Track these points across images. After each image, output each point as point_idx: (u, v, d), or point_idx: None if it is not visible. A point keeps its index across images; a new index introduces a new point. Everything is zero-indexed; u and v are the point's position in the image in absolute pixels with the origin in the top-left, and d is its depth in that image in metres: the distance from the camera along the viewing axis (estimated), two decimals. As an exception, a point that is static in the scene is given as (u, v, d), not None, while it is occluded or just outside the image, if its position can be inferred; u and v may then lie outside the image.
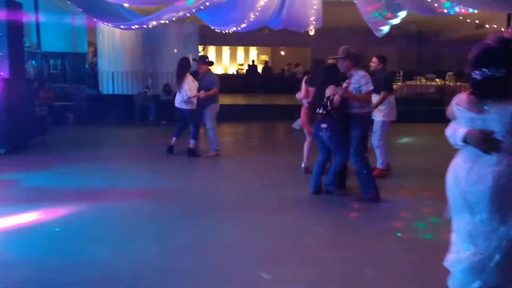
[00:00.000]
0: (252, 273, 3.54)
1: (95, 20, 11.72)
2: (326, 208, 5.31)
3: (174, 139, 8.26)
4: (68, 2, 9.67)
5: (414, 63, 21.12)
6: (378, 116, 6.50)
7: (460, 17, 10.72)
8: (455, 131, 2.56)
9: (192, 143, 8.08)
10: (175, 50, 14.05)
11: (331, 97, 5.38)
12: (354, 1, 10.39)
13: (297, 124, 7.16)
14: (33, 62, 13.50)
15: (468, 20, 11.88)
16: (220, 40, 19.59)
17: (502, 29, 10.44)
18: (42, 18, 12.32)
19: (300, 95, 6.80)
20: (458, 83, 15.13)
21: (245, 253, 3.97)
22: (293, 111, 8.10)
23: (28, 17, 10.83)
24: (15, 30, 8.38)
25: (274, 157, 8.40)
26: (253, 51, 26.42)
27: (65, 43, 15.83)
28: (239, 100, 16.48)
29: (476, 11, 9.18)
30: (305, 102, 6.70)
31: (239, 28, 11.79)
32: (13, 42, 8.22)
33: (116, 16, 9.83)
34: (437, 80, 16.71)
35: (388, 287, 3.38)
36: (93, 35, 15.47)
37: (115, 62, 14.52)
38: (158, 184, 6.34)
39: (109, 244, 4.11)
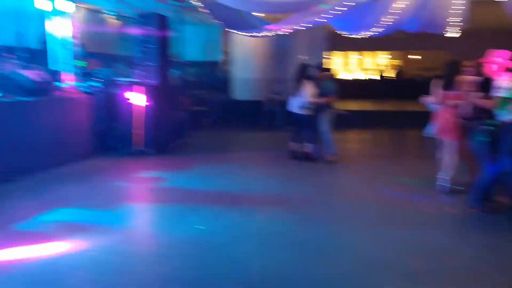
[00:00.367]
0: None
1: (230, 31, 12.42)
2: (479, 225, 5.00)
3: (309, 146, 8.30)
4: (207, 15, 10.39)
5: None
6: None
7: None
8: None
9: (309, 147, 8.25)
10: (303, 56, 14.26)
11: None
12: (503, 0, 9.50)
13: (429, 132, 6.76)
14: (175, 71, 14.71)
15: None
16: (347, 45, 19.33)
17: None
18: (184, 30, 13.40)
19: (431, 99, 6.35)
20: None
21: (389, 269, 3.85)
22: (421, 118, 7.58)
23: (173, 30, 11.83)
24: (163, 42, 9.19)
25: (409, 165, 8.16)
26: (382, 56, 25.59)
27: (200, 53, 17.12)
28: (367, 106, 16.18)
29: None
30: (439, 108, 6.26)
31: (370, 33, 11.55)
32: (161, 53, 9.05)
33: (248, 24, 10.31)
34: None
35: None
36: (226, 44, 16.48)
37: (247, 69, 15.37)
38: (288, 188, 6.55)
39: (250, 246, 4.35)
